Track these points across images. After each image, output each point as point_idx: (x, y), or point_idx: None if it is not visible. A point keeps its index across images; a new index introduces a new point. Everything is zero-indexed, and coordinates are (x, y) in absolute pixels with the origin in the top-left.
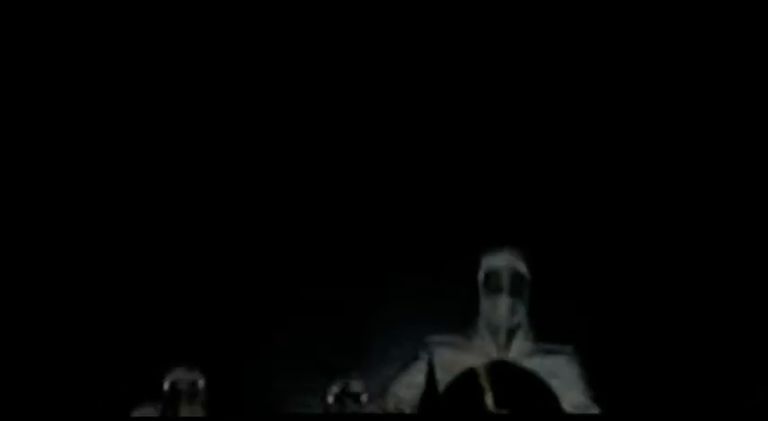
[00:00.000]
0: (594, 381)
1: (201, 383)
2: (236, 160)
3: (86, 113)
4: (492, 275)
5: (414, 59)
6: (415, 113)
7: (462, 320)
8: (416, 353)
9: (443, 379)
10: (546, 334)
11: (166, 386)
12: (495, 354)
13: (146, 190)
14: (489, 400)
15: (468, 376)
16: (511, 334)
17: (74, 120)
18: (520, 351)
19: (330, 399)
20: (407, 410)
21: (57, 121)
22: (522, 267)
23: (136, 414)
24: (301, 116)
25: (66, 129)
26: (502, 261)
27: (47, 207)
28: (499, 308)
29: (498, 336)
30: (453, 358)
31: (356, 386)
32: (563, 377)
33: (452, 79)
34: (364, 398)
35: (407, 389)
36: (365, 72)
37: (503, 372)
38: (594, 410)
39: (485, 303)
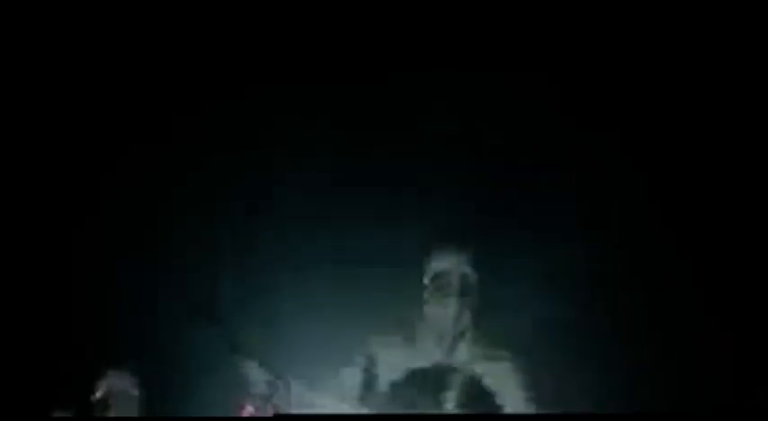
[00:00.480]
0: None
1: (135, 391)
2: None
3: None
4: (440, 277)
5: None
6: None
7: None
8: (358, 352)
9: (386, 379)
10: (491, 339)
11: (99, 393)
12: (439, 358)
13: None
14: (449, 403)
15: (413, 378)
16: (456, 338)
17: None
18: (464, 356)
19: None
20: (348, 407)
21: None
22: (470, 270)
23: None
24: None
25: None
26: (451, 263)
27: None
28: (447, 311)
29: (444, 340)
30: (396, 360)
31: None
32: (506, 384)
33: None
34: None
35: (350, 385)
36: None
37: (447, 377)
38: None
39: (431, 306)
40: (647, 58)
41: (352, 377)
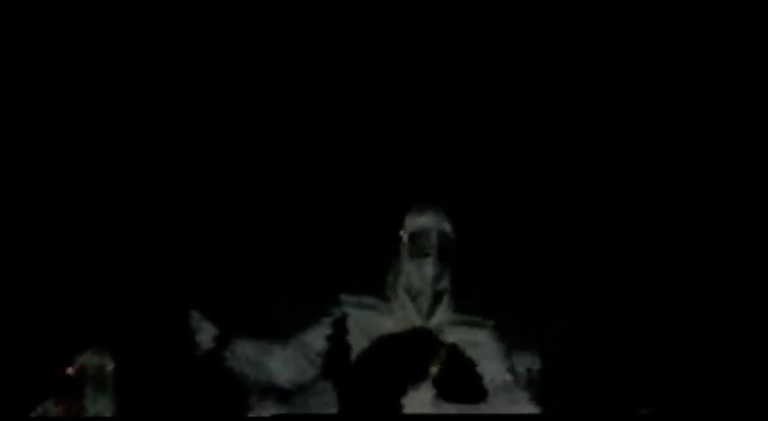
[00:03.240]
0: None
1: (110, 368)
2: None
3: None
4: (418, 236)
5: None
6: None
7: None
8: (329, 311)
9: (358, 341)
10: (467, 303)
11: (72, 370)
12: (415, 322)
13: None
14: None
15: (386, 342)
16: (434, 300)
17: None
18: (442, 320)
19: None
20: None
21: None
22: (450, 228)
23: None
24: None
25: None
26: (429, 221)
27: None
28: (424, 271)
29: (421, 302)
30: (370, 321)
31: None
32: (485, 351)
33: None
34: None
35: (321, 340)
36: None
37: (424, 342)
38: (518, 388)
39: (408, 265)
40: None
41: (318, 339)
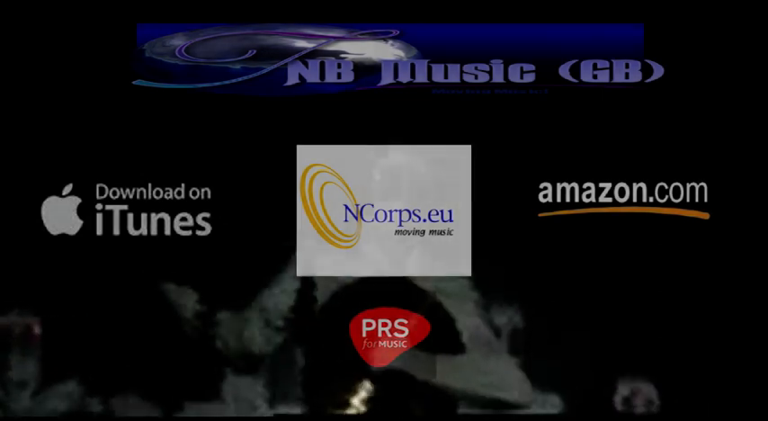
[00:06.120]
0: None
1: (37, 329)
2: None
3: None
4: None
5: None
6: None
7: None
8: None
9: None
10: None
11: None
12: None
13: None
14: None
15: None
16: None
17: None
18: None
19: None
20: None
21: None
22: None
23: None
24: None
25: None
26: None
27: None
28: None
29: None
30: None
31: None
32: (459, 303)
33: None
34: None
35: (279, 297)
36: None
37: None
38: (493, 340)
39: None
40: None
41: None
